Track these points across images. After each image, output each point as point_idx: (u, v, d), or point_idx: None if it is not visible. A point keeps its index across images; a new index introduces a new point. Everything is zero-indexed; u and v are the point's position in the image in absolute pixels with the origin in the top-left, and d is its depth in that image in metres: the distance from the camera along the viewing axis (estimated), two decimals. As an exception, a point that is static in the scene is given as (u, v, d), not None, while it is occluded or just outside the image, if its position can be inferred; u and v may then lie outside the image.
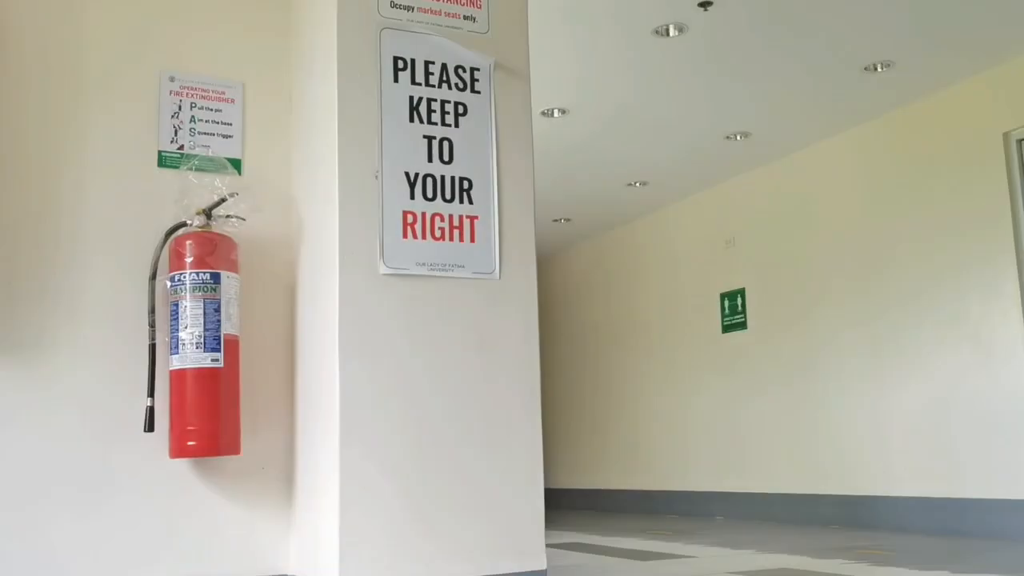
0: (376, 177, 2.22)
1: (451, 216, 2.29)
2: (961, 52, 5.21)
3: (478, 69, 2.38)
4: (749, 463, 7.45)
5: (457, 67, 2.36)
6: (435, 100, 2.33)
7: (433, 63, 2.34)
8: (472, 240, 2.31)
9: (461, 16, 2.39)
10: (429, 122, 2.31)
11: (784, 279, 7.19)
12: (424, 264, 2.24)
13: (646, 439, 8.72)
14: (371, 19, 2.29)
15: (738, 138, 6.65)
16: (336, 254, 2.16)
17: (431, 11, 2.36)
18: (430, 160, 2.29)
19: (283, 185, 2.52)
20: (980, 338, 5.59)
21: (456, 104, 2.35)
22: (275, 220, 2.48)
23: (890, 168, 6.26)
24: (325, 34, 2.31)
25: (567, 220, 8.73)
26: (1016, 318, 5.36)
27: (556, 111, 5.92)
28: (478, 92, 2.38)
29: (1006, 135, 5.50)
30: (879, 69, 5.47)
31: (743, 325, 7.56)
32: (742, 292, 7.60)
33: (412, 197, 2.26)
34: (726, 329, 7.75)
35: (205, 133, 2.47)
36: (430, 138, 2.31)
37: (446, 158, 2.31)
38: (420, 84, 2.32)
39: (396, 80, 2.29)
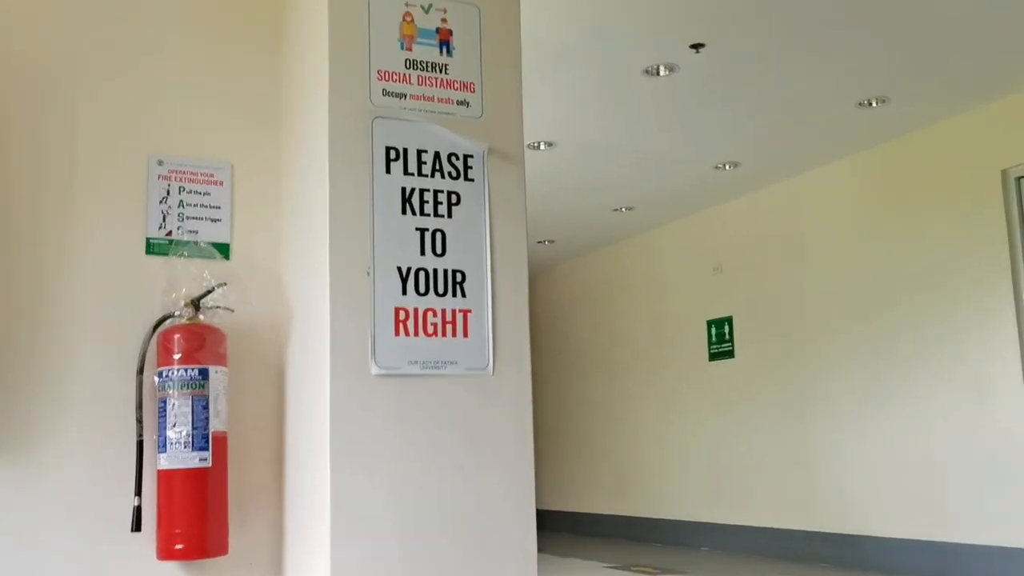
0: (368, 274, 2.18)
1: (444, 311, 2.25)
2: (958, 88, 5.23)
3: (472, 156, 2.34)
4: (736, 495, 7.45)
5: (451, 155, 2.32)
6: (428, 190, 2.28)
7: (426, 151, 2.30)
8: (465, 335, 2.27)
9: (455, 101, 2.35)
10: (422, 213, 2.27)
11: (773, 309, 7.19)
12: (416, 362, 2.20)
13: (631, 464, 8.71)
14: (363, 108, 2.24)
15: (727, 168, 6.66)
16: (327, 356, 2.12)
17: (424, 98, 2.32)
18: (423, 253, 2.25)
19: (272, 267, 2.47)
20: (976, 379, 5.59)
21: (449, 193, 2.31)
22: (264, 304, 2.43)
23: (885, 200, 6.26)
24: (316, 124, 2.26)
25: (551, 242, 8.71)
26: (1014, 360, 5.37)
27: (542, 144, 5.90)
28: (472, 180, 2.34)
29: (1004, 172, 5.51)
30: (874, 104, 5.48)
31: (731, 354, 7.56)
32: (730, 320, 7.59)
33: (404, 293, 2.21)
34: (713, 357, 7.75)
35: (194, 217, 2.42)
36: (423, 230, 2.26)
37: (439, 250, 2.27)
38: (413, 174, 2.27)
39: (388, 171, 2.25)
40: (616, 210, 7.74)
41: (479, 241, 2.32)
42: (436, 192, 2.29)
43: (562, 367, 9.80)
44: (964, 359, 5.66)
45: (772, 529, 6.98)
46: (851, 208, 6.49)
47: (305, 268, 2.31)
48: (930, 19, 4.29)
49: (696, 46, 4.52)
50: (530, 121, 5.46)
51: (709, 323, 7.79)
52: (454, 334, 2.26)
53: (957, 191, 5.73)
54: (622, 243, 8.94)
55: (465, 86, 2.37)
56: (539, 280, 10.34)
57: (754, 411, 7.27)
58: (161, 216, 2.38)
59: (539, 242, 8.80)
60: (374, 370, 2.15)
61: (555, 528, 9.59)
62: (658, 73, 4.83)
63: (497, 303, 2.31)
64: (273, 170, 2.51)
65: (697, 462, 7.83)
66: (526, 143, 5.96)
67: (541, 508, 10.09)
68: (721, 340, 7.65)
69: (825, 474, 6.60)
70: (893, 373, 6.12)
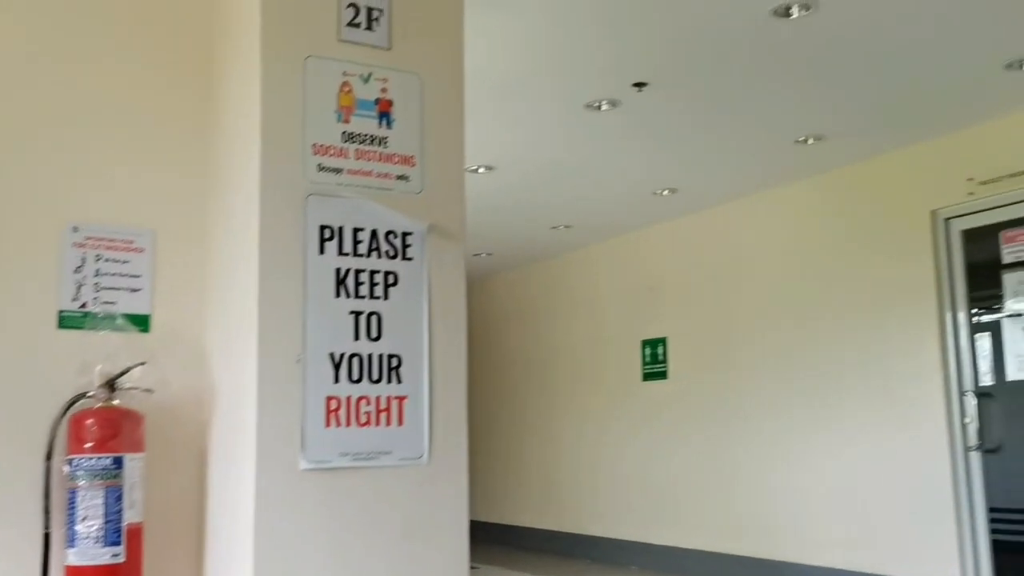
0: (298, 362, 2.07)
1: (378, 398, 2.15)
2: (892, 129, 5.31)
3: (411, 234, 2.24)
4: (664, 515, 7.48)
5: (388, 233, 2.22)
6: (364, 271, 2.18)
7: (362, 230, 2.19)
8: (400, 423, 2.17)
9: (394, 176, 2.25)
10: (357, 296, 2.16)
11: (707, 332, 7.22)
12: (348, 454, 2.10)
13: (563, 479, 8.70)
14: (296, 185, 2.12)
15: (665, 193, 6.65)
16: (252, 450, 2.00)
17: (361, 172, 2.21)
18: (357, 338, 2.15)
19: (197, 340, 2.34)
20: (901, 411, 5.68)
21: (387, 274, 2.20)
22: (187, 380, 2.30)
23: (818, 230, 6.32)
24: (246, 199, 2.13)
25: (489, 255, 8.62)
26: (937, 394, 5.47)
27: (482, 168, 5.80)
28: (410, 259, 2.24)
29: (934, 212, 5.59)
30: (810, 142, 5.51)
31: (664, 375, 7.58)
32: (664, 341, 7.61)
33: (336, 380, 2.11)
34: (646, 377, 7.76)
35: (111, 288, 2.27)
36: (357, 313, 2.16)
37: (374, 334, 2.17)
38: (348, 254, 2.17)
39: (322, 251, 2.14)
40: (554, 228, 7.69)
41: (417, 323, 2.23)
42: (372, 273, 2.19)
43: (496, 377, 9.74)
44: (890, 391, 5.75)
45: (701, 552, 7.03)
46: (785, 236, 6.55)
47: (232, 348, 2.19)
48: (866, 62, 4.31)
49: (639, 84, 4.47)
50: (469, 146, 5.37)
51: (644, 343, 7.80)
52: (388, 422, 2.16)
53: (889, 227, 5.81)
54: (560, 257, 8.90)
55: (405, 160, 2.27)
56: (475, 290, 10.25)
57: (686, 433, 7.30)
58: (75, 287, 2.24)
59: (476, 255, 8.71)
60: (302, 464, 2.04)
61: (485, 540, 9.54)
62: (600, 108, 4.77)
63: (435, 388, 2.22)
64: (199, 238, 2.38)
65: (628, 481, 7.85)
66: (466, 168, 5.88)
67: (471, 519, 10.05)
68: (655, 360, 7.67)
69: (753, 498, 6.66)
70: (821, 401, 6.20)
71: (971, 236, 5.45)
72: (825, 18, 3.80)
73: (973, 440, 5.34)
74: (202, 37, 2.44)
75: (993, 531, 5.24)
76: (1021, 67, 4.42)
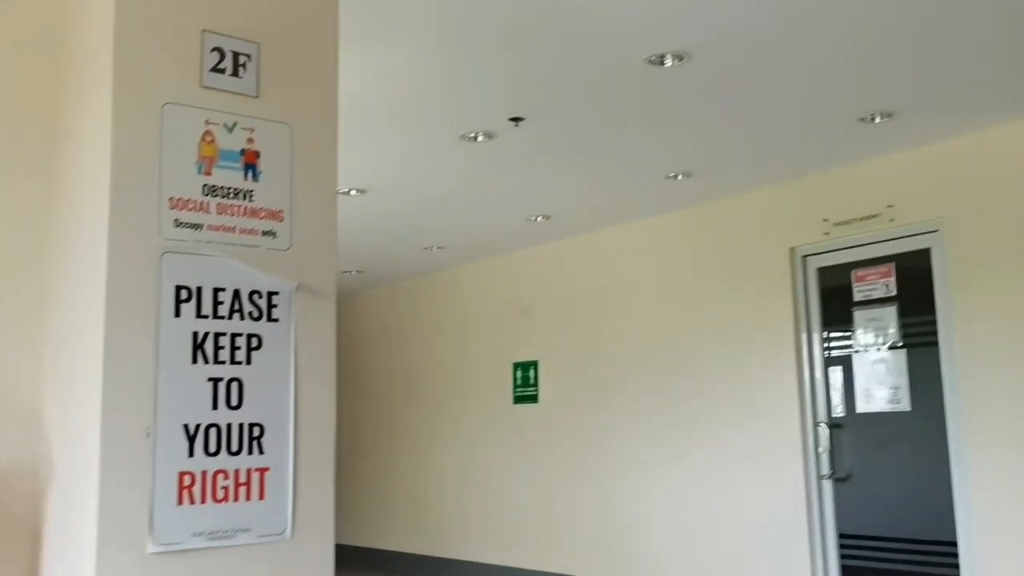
0: (148, 435, 1.92)
1: (237, 471, 2.02)
2: (756, 167, 5.47)
3: (277, 293, 2.12)
4: (533, 540, 7.50)
5: (252, 293, 2.09)
6: (224, 334, 2.04)
7: (223, 290, 2.05)
8: (261, 497, 2.04)
9: (259, 232, 2.12)
10: (216, 361, 2.02)
11: (577, 356, 7.28)
12: (202, 534, 1.96)
13: (432, 502, 8.60)
14: (150, 241, 1.97)
15: (539, 220, 6.66)
16: (94, 532, 1.83)
17: (224, 228, 2.07)
18: (215, 407, 2.01)
19: (31, 408, 2.14)
20: (762, 440, 5.86)
21: (249, 337, 2.07)
22: (19, 452, 2.10)
23: (686, 261, 6.47)
24: (93, 259, 1.96)
25: (359, 272, 8.46)
26: (794, 425, 5.67)
27: (354, 191, 5.66)
28: (276, 320, 2.12)
29: (792, 249, 5.80)
30: (680, 178, 5.62)
31: (535, 398, 7.60)
32: (535, 364, 7.63)
33: (191, 454, 1.96)
34: (517, 400, 7.76)
35: (-66, 346, 2.06)
36: (216, 380, 2.02)
37: (234, 402, 2.04)
38: (207, 316, 2.03)
39: (178, 314, 1.99)
40: (427, 248, 7.60)
41: (282, 390, 2.10)
42: (234, 336, 2.06)
43: (363, 397, 9.55)
44: (750, 421, 5.93)
45: (567, 576, 7.06)
46: (654, 265, 6.67)
47: (73, 419, 2.01)
48: (734, 109, 4.43)
49: (515, 119, 4.44)
50: (341, 169, 5.22)
51: (515, 365, 7.80)
52: (248, 497, 2.03)
53: (751, 261, 6.00)
54: (432, 277, 8.81)
55: (272, 214, 2.15)
56: (343, 307, 10.00)
57: (555, 457, 7.34)
58: None
59: (345, 272, 8.52)
60: (151, 547, 1.89)
61: (349, 564, 9.33)
62: (476, 139, 4.72)
63: (300, 458, 2.10)
64: (37, 291, 2.18)
65: (498, 505, 7.83)
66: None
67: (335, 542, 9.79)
68: (526, 383, 7.68)
69: (620, 524, 6.75)
70: (685, 429, 6.34)
71: (826, 274, 5.69)
72: (697, 68, 3.88)
73: (826, 469, 5.56)
74: (47, 75, 2.24)
75: (843, 556, 5.47)
76: (873, 120, 4.64)
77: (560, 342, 7.39)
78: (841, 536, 5.48)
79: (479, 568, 7.90)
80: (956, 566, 4.87)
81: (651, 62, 3.80)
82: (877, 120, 4.64)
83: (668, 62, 3.78)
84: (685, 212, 6.45)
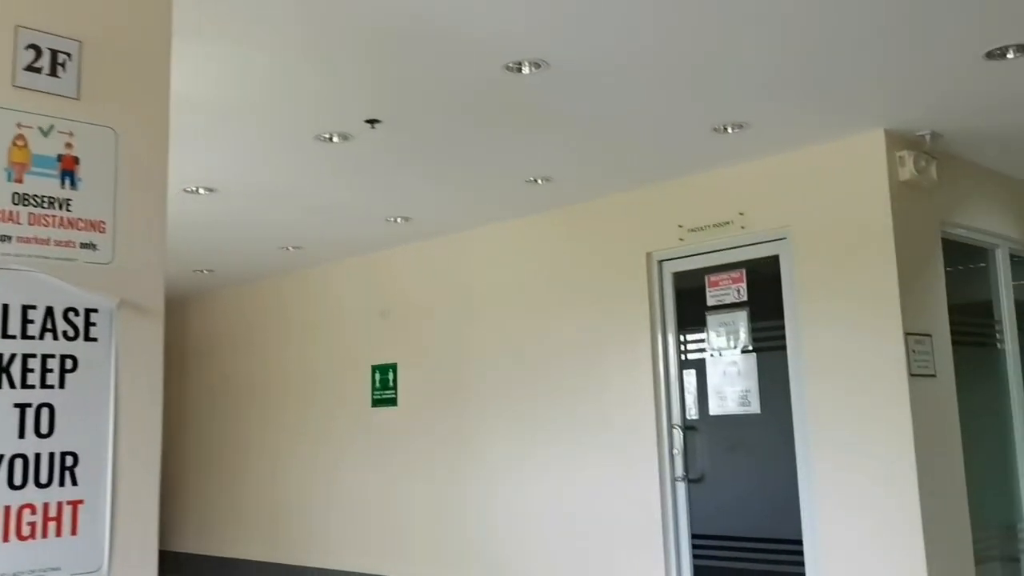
0: (-57, 470, 1.74)
1: (46, 505, 1.85)
2: (613, 173, 5.54)
3: (96, 311, 1.96)
4: (390, 544, 7.39)
5: (68, 310, 1.92)
6: (34, 356, 1.87)
7: (34, 308, 1.88)
8: (74, 532, 1.88)
9: (77, 244, 1.96)
10: (24, 385, 1.85)
11: (437, 359, 7.21)
12: (5, 576, 1.79)
13: (288, 508, 8.36)
14: (-51, 255, 1.79)
15: (398, 221, 6.56)
16: None
17: (36, 240, 1.90)
18: (22, 435, 1.84)
19: None
20: (620, 442, 5.94)
21: (63, 358, 1.91)
22: None
23: (546, 264, 6.49)
24: None
25: (210, 271, 8.14)
26: (650, 427, 5.77)
27: (202, 189, 5.42)
28: (94, 340, 1.96)
29: (649, 255, 5.90)
30: (539, 182, 5.63)
31: (394, 401, 7.49)
32: (394, 367, 7.52)
33: (-6, 489, 1.79)
34: (376, 403, 7.63)
35: None
36: (24, 406, 1.85)
37: (44, 430, 1.87)
38: (14, 336, 1.85)
39: (-19, 335, 1.81)
40: (282, 248, 7.37)
41: (99, 415, 1.95)
42: (46, 358, 1.89)
43: (216, 400, 9.20)
44: (609, 423, 6.00)
45: (426, 581, 6.99)
46: (515, 268, 6.67)
47: None
48: (591, 116, 4.46)
49: (372, 121, 4.33)
50: (186, 166, 4.98)
51: (374, 368, 7.66)
52: (59, 532, 1.87)
53: (610, 265, 6.08)
54: (289, 277, 8.55)
55: (92, 225, 1.98)
56: (192, 307, 9.63)
57: (415, 461, 7.25)
58: None
59: (196, 271, 8.17)
60: (-56, 596, 1.71)
61: (195, 573, 8.97)
62: (331, 140, 4.58)
63: (119, 489, 1.95)
64: None
65: (357, 510, 7.67)
66: (183, 188, 5.46)
67: (182, 551, 9.38)
68: (385, 386, 7.55)
69: (478, 526, 6.72)
70: (545, 430, 6.36)
71: (681, 278, 5.82)
72: (554, 76, 3.87)
73: (680, 471, 5.69)
74: None
75: (695, 556, 5.61)
76: (725, 131, 4.76)
77: (420, 344, 7.31)
78: (694, 536, 5.62)
79: (332, 575, 7.72)
80: (801, 563, 5.07)
81: (509, 69, 3.77)
82: (730, 130, 4.77)
83: (526, 69, 3.76)
84: (545, 216, 6.48)
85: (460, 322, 7.02)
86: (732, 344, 5.54)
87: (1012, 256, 5.90)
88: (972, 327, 5.53)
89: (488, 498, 6.68)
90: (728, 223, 5.50)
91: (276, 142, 4.67)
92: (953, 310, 5.20)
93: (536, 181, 5.59)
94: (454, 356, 7.04)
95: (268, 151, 4.82)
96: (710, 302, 5.66)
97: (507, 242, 6.73)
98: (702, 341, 5.69)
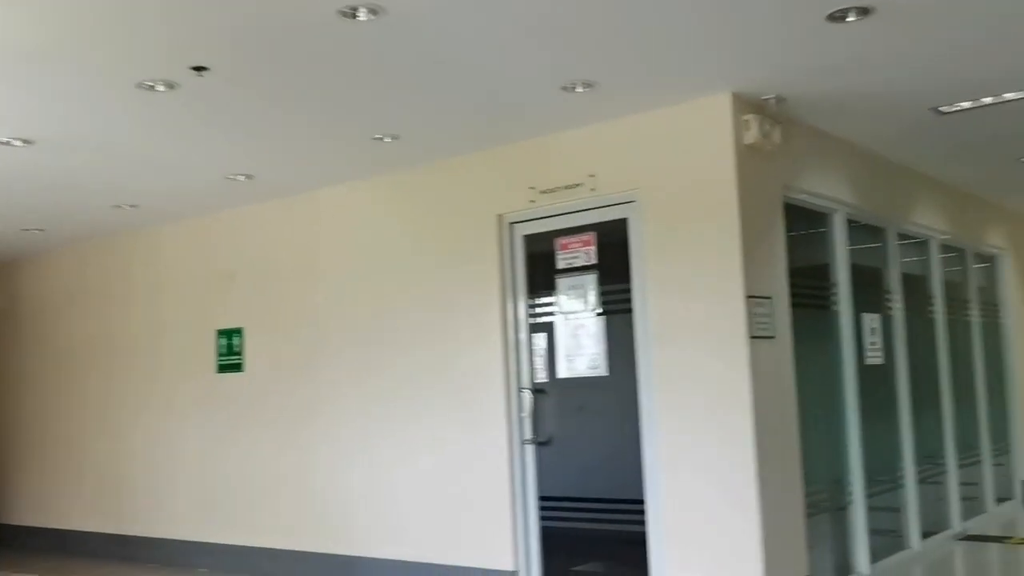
0: None
1: None
2: (464, 135, 5.40)
3: None
4: (238, 514, 7.15)
5: None
6: None
7: None
8: None
9: None
10: None
11: (285, 323, 6.96)
12: None
13: (128, 477, 7.97)
14: None
15: (240, 179, 6.25)
16: None
17: None
18: None
19: None
20: (469, 405, 5.87)
21: None
22: None
23: (396, 225, 6.31)
24: None
25: (40, 231, 7.59)
26: (499, 390, 5.72)
27: (18, 141, 4.99)
28: None
29: (500, 216, 5.80)
30: (387, 140, 5.44)
31: (239, 367, 7.20)
32: (240, 331, 7.22)
33: None
34: (221, 369, 7.33)
35: None
36: None
37: None
38: None
39: None
40: (117, 206, 6.91)
41: None
42: None
43: (49, 365, 8.63)
44: (459, 387, 5.92)
45: (275, 550, 6.79)
46: (363, 229, 6.47)
47: None
48: (436, 71, 4.29)
49: (199, 68, 4.03)
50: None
51: (219, 332, 7.33)
52: None
53: (460, 227, 5.96)
54: (126, 236, 8.06)
55: None
56: (24, 268, 8.97)
57: (262, 428, 6.99)
58: None
59: (25, 230, 7.59)
60: None
61: (34, 547, 8.46)
62: (155, 88, 4.25)
63: None
64: None
65: (201, 478, 7.36)
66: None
67: (17, 523, 8.83)
68: (231, 351, 7.24)
69: (330, 495, 6.55)
70: (395, 396, 6.24)
71: (532, 241, 5.76)
72: (393, 25, 3.68)
73: (528, 434, 5.67)
74: None
75: (543, 518, 5.62)
76: (574, 89, 4.68)
77: (266, 308, 7.02)
78: (541, 498, 5.62)
79: (180, 545, 7.42)
80: (643, 522, 5.14)
81: (343, 14, 3.54)
82: (579, 89, 4.69)
83: (361, 15, 3.54)
84: (395, 177, 6.28)
85: (308, 285, 6.78)
86: (581, 307, 5.52)
87: (849, 221, 6.11)
88: (810, 289, 5.70)
89: (338, 464, 6.52)
90: (579, 185, 5.46)
91: (94, 90, 4.30)
92: (793, 273, 5.33)
93: (383, 139, 5.39)
94: (302, 321, 6.80)
95: (86, 100, 4.43)
96: (560, 265, 5.62)
97: (357, 203, 6.51)
98: (552, 304, 5.65)
